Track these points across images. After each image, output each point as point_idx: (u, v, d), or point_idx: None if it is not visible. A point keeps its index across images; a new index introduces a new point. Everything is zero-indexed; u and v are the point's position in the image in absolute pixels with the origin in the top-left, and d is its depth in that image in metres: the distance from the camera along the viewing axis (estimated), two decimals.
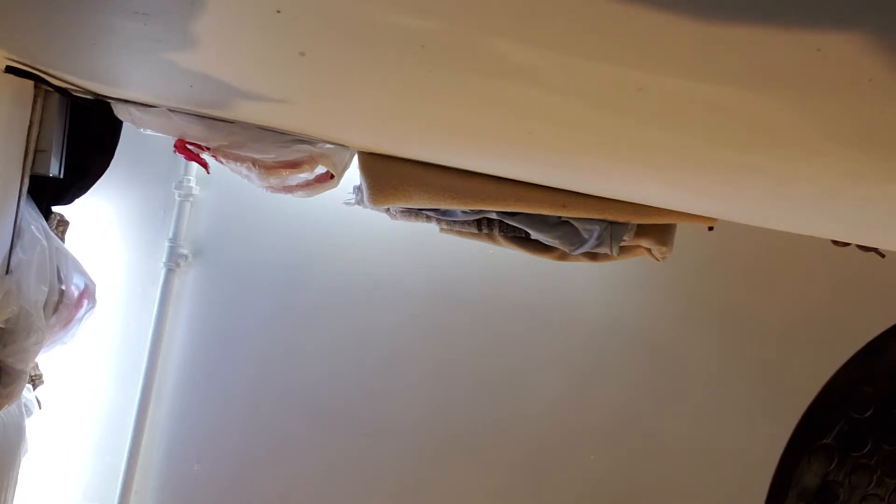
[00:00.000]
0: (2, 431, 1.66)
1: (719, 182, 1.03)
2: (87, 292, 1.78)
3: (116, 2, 0.75)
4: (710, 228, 1.67)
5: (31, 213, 1.62)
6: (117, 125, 1.70)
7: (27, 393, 1.81)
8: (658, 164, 0.99)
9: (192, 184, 2.21)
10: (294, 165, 1.57)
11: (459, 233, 1.73)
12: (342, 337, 2.21)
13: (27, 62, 1.34)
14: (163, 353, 2.24)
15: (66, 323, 1.74)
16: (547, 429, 2.16)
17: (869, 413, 2.03)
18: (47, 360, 1.97)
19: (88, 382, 2.25)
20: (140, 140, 1.81)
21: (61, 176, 1.66)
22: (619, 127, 0.80)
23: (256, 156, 1.55)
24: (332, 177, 1.63)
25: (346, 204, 1.73)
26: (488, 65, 0.66)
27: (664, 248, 1.66)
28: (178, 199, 2.22)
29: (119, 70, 1.21)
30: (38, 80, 1.47)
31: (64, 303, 1.70)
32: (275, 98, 1.11)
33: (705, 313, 2.12)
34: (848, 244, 1.54)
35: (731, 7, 0.44)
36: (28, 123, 1.53)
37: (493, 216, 1.63)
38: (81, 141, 1.68)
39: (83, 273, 1.78)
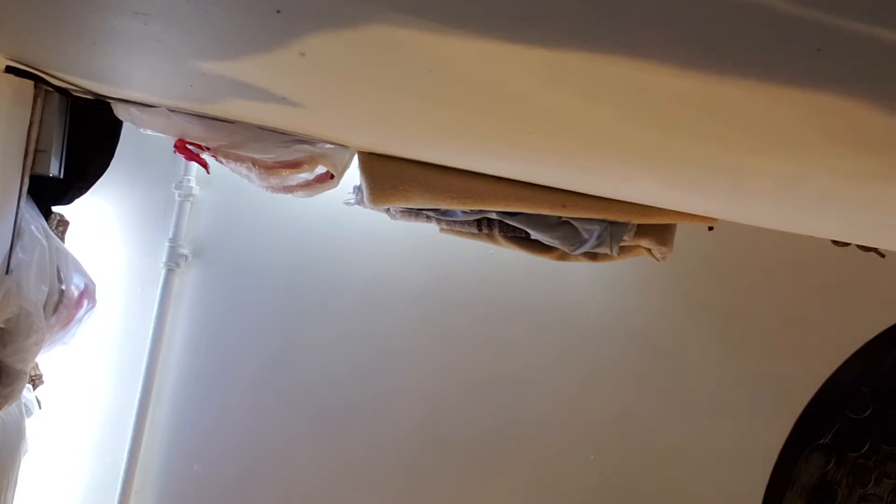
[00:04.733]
0: (2, 431, 1.66)
1: (719, 182, 1.04)
2: (87, 292, 1.78)
3: (116, 2, 0.75)
4: (710, 228, 1.68)
5: (31, 213, 1.62)
6: (117, 125, 1.70)
7: (27, 393, 1.81)
8: (658, 165, 0.99)
9: (192, 184, 2.22)
10: (294, 165, 1.57)
11: (459, 233, 1.73)
12: (342, 337, 2.21)
13: (27, 62, 1.34)
14: (163, 353, 2.24)
15: (66, 323, 1.74)
16: (547, 428, 2.16)
17: (867, 413, 2.03)
18: (47, 360, 1.98)
19: (88, 382, 2.25)
20: (140, 140, 1.81)
21: (61, 176, 1.66)
22: (620, 127, 0.80)
23: (256, 156, 1.55)
24: (332, 177, 1.63)
25: (346, 204, 1.73)
26: (488, 65, 0.66)
27: (664, 248, 1.66)
28: (178, 199, 2.22)
29: (119, 70, 1.21)
30: (38, 80, 1.47)
31: (64, 303, 1.70)
32: (275, 98, 1.11)
33: (705, 313, 2.13)
34: (848, 244, 1.54)
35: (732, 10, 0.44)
36: (28, 123, 1.53)
37: (493, 216, 1.64)
38: (81, 141, 1.68)
39: (83, 273, 1.78)
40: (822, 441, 2.05)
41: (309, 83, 0.95)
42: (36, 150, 1.55)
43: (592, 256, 1.69)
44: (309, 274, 2.21)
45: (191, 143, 1.57)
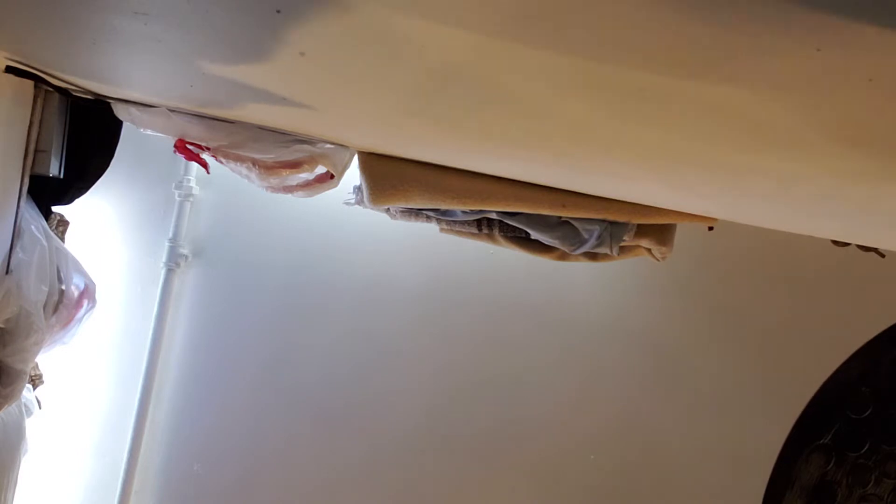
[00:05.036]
0: (2, 431, 1.66)
1: (720, 182, 1.04)
2: (87, 292, 1.78)
3: (116, 2, 0.75)
4: (710, 228, 1.67)
5: (31, 213, 1.62)
6: (117, 125, 1.70)
7: (27, 393, 1.81)
8: (658, 165, 0.99)
9: (192, 184, 2.22)
10: (294, 165, 1.57)
11: (459, 233, 1.73)
12: (342, 337, 2.21)
13: (27, 62, 1.34)
14: (163, 353, 2.24)
15: (66, 323, 1.74)
16: (547, 428, 2.16)
17: (867, 413, 2.03)
18: (47, 360, 1.98)
19: (88, 382, 2.25)
20: (140, 140, 1.81)
21: (61, 176, 1.66)
22: (620, 127, 0.80)
23: (256, 156, 1.55)
24: (332, 177, 1.63)
25: (346, 204, 1.73)
26: (487, 65, 0.66)
27: (664, 248, 1.66)
28: (178, 199, 2.22)
29: (119, 70, 1.21)
30: (38, 80, 1.47)
31: (64, 303, 1.70)
32: (276, 98, 1.11)
33: (705, 313, 2.13)
34: (848, 244, 1.54)
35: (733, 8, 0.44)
36: (28, 123, 1.53)
37: (493, 216, 1.64)
38: (81, 141, 1.68)
39: (83, 273, 1.78)
40: (822, 441, 2.05)
41: (309, 83, 0.95)
42: (36, 150, 1.55)
43: (592, 256, 1.69)
44: (309, 274, 2.21)
45: (191, 143, 1.57)
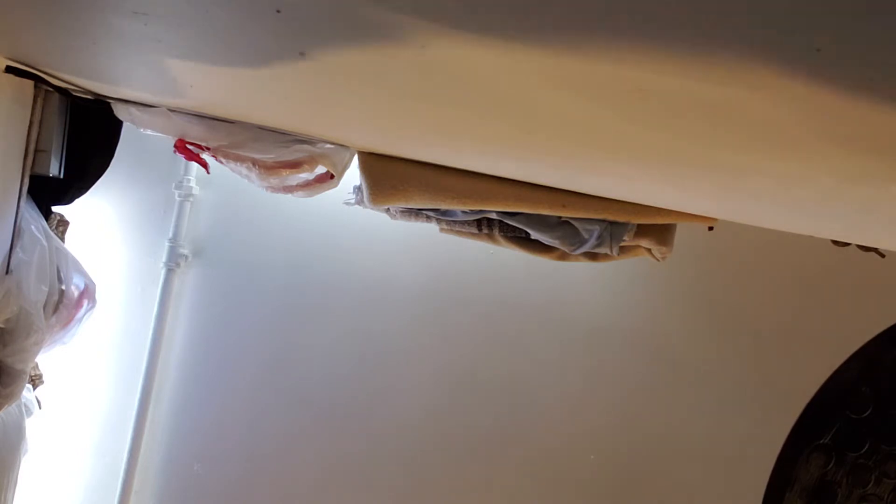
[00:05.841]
0: (2, 431, 1.66)
1: (719, 183, 1.04)
2: (87, 292, 1.78)
3: (116, 2, 0.75)
4: (710, 228, 1.67)
5: (31, 213, 1.62)
6: (117, 125, 1.70)
7: (27, 393, 1.81)
8: (658, 165, 0.99)
9: (192, 184, 2.22)
10: (294, 165, 1.57)
11: (459, 233, 1.73)
12: (342, 337, 2.21)
13: (27, 62, 1.34)
14: (163, 353, 2.24)
15: (66, 323, 1.74)
16: (546, 428, 2.16)
17: (867, 413, 2.03)
18: (47, 360, 1.98)
19: (88, 382, 2.25)
20: (140, 140, 1.81)
21: (61, 176, 1.66)
22: (619, 127, 0.80)
23: (256, 156, 1.55)
24: (332, 177, 1.63)
25: (346, 204, 1.73)
26: (487, 66, 0.66)
27: (664, 248, 1.66)
28: (178, 199, 2.22)
29: (119, 70, 1.21)
30: (38, 80, 1.47)
31: (64, 303, 1.70)
32: (276, 98, 1.11)
33: (705, 313, 2.13)
34: (848, 244, 1.54)
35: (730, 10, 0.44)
36: (28, 123, 1.53)
37: (493, 216, 1.64)
38: (81, 141, 1.68)
39: (83, 273, 1.78)
40: (822, 441, 2.05)
41: (309, 82, 0.95)
42: (36, 150, 1.55)
43: (592, 256, 1.69)
44: (309, 274, 2.21)
45: (191, 143, 1.57)
